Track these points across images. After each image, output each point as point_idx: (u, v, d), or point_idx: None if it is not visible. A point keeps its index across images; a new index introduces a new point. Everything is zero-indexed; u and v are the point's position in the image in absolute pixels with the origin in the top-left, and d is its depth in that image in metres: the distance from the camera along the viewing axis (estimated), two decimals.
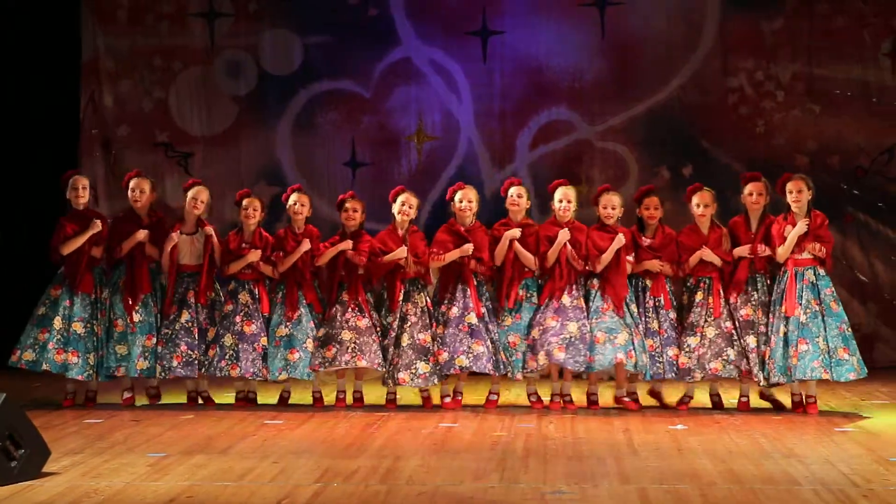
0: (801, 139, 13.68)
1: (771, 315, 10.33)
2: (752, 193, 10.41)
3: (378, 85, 14.02)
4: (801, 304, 10.14)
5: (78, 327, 10.61)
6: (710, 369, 10.36)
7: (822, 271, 10.25)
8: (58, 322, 10.58)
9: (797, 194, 10.24)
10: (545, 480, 7.48)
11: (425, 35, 13.98)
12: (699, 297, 10.51)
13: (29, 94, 13.56)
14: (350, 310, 10.51)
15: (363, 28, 13.93)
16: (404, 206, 10.58)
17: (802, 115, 13.70)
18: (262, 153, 14.07)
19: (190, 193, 10.77)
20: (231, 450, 8.51)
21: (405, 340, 10.47)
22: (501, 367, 10.46)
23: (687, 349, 10.44)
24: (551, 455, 8.34)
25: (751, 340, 10.34)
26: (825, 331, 10.10)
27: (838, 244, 13.33)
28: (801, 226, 10.18)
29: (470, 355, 10.39)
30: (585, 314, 10.39)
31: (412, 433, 9.24)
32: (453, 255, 10.50)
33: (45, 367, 10.54)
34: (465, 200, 10.59)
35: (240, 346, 10.57)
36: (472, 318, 10.43)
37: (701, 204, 10.51)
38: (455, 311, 10.48)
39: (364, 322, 10.49)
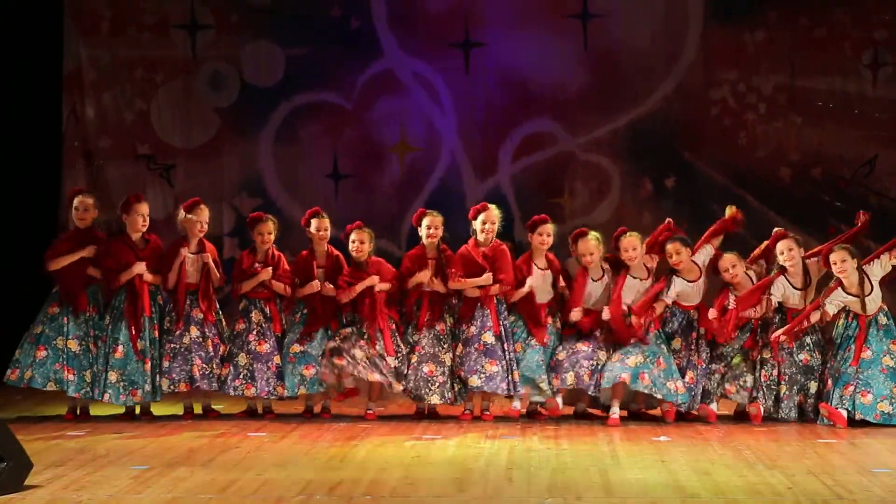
0: (784, 151, 13.73)
1: (832, 358, 10.33)
2: (784, 252, 10.40)
3: (360, 96, 14.03)
4: (871, 349, 10.17)
5: (73, 345, 10.57)
6: (725, 389, 10.49)
7: (885, 308, 10.32)
8: (60, 341, 10.54)
9: (841, 264, 10.18)
10: (529, 492, 7.49)
11: (408, 47, 14.00)
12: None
13: (11, 106, 13.52)
14: (365, 333, 10.59)
15: (345, 40, 13.94)
16: (430, 230, 10.61)
17: (785, 127, 13.75)
18: (244, 165, 14.07)
19: (192, 216, 10.71)
20: (213, 462, 8.50)
21: (448, 360, 10.58)
22: (514, 387, 10.48)
23: (708, 372, 10.52)
24: (535, 467, 8.35)
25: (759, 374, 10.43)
26: None
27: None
28: (815, 315, 10.24)
29: (483, 375, 10.42)
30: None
31: (395, 445, 9.24)
32: (473, 282, 10.49)
33: (50, 385, 10.51)
34: (489, 222, 10.58)
35: (255, 366, 10.61)
36: (489, 337, 10.48)
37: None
38: (473, 329, 10.51)
39: (378, 346, 10.53)
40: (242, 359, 10.64)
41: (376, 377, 10.50)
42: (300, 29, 13.95)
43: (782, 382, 10.34)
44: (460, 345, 10.56)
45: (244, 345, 10.66)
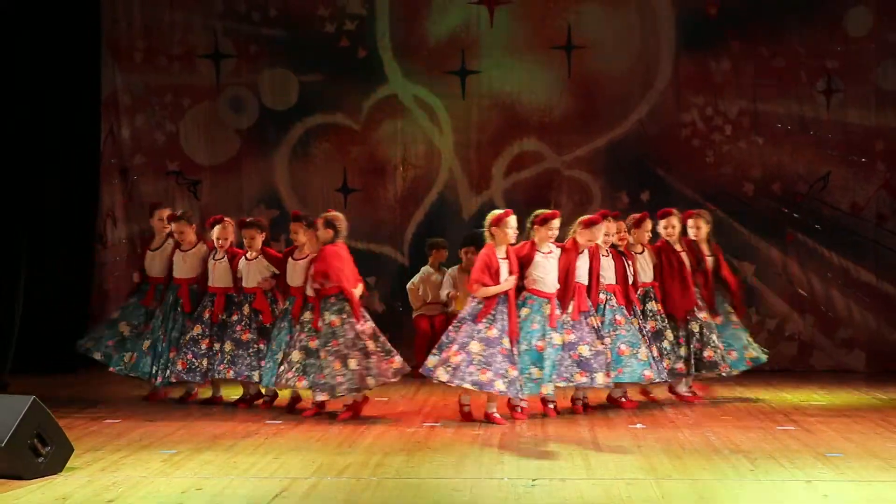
0: (747, 168, 13.74)
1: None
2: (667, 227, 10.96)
3: (367, 118, 14.02)
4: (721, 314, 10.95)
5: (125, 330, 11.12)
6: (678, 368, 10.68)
7: None
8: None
9: (696, 230, 10.98)
10: (519, 474, 7.50)
11: (410, 74, 14.00)
12: (651, 305, 10.63)
13: (55, 127, 13.48)
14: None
15: (353, 67, 13.94)
16: (510, 231, 9.75)
17: (747, 147, 13.76)
18: (262, 180, 14.05)
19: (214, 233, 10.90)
20: (235, 447, 8.51)
21: None
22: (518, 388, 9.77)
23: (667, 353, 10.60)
24: (524, 451, 8.36)
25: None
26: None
27: (780, 262, 13.48)
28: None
29: (506, 380, 9.56)
30: (595, 333, 10.00)
31: (399, 432, 9.24)
32: (498, 288, 9.68)
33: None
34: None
35: (237, 352, 10.58)
36: (507, 343, 9.65)
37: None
38: (494, 332, 9.62)
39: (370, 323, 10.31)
40: (228, 346, 10.61)
41: (390, 376, 9.86)
42: (313, 58, 13.95)
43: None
44: (481, 343, 9.62)
45: (231, 334, 10.63)
